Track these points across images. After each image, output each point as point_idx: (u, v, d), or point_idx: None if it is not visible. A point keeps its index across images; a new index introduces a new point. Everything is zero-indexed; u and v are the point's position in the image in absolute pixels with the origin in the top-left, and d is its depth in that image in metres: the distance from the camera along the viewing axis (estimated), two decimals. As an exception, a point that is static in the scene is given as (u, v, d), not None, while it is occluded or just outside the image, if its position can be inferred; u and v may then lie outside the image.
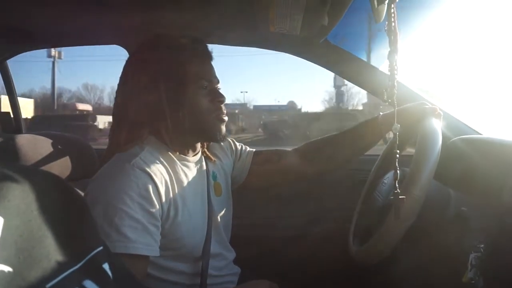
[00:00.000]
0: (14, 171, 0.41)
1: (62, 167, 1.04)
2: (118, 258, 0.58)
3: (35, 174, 0.45)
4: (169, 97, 0.83)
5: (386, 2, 0.59)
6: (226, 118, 0.90)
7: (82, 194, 0.96)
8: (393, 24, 0.57)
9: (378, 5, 0.62)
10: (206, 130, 0.88)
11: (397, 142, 0.71)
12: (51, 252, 0.39)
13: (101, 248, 0.47)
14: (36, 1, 0.99)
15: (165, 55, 0.85)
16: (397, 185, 0.68)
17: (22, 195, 0.39)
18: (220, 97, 0.88)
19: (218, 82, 0.91)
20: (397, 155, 0.70)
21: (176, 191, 0.82)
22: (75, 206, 0.49)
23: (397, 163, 0.69)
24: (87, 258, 0.44)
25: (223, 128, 0.89)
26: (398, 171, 0.69)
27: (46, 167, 0.97)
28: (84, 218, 0.49)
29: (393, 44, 0.58)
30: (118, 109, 0.88)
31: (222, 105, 0.89)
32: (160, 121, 0.84)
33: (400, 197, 0.68)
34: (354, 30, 1.29)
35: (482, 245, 0.68)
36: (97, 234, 0.51)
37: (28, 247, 0.37)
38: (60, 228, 0.42)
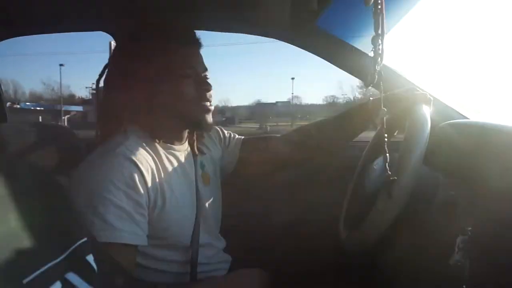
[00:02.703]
0: None
1: (48, 157, 1.02)
2: (104, 249, 0.57)
3: (15, 164, 0.44)
4: (153, 85, 0.82)
5: (374, -16, 0.58)
6: (211, 108, 0.88)
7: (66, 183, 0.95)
8: (379, 6, 0.56)
9: (366, -13, 0.61)
10: (191, 119, 0.87)
11: (385, 127, 0.71)
12: (30, 245, 0.38)
13: (84, 239, 0.46)
14: None
15: (149, 43, 0.83)
16: (387, 168, 0.68)
17: (1, 186, 0.38)
18: (205, 86, 0.87)
19: (205, 70, 0.89)
20: (385, 139, 0.70)
21: (163, 180, 0.81)
22: (58, 196, 0.48)
23: (386, 147, 0.69)
24: (69, 250, 0.43)
25: (209, 117, 0.88)
26: (388, 155, 0.69)
27: (31, 157, 0.96)
28: (67, 209, 0.48)
29: (378, 27, 0.57)
30: (102, 99, 0.87)
31: (208, 94, 0.87)
32: (145, 110, 0.82)
33: (391, 178, 0.68)
34: (345, 15, 1.27)
35: (470, 228, 0.69)
36: (81, 225, 0.51)
37: (4, 242, 0.36)
38: (41, 220, 0.41)
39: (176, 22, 0.89)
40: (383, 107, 0.78)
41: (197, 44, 0.89)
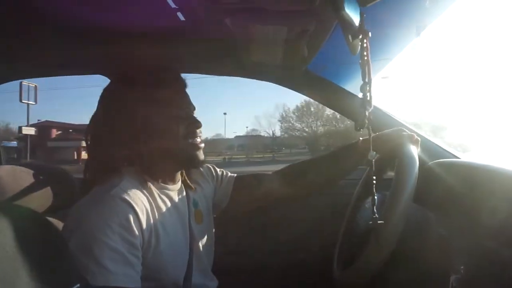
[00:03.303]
0: None
1: (42, 198, 1.01)
2: None
3: (11, 210, 0.45)
4: (144, 127, 0.84)
5: (360, 37, 0.63)
6: (202, 145, 0.91)
7: (61, 224, 0.94)
8: (365, 58, 0.60)
9: (352, 40, 0.66)
10: (183, 157, 0.89)
11: (374, 169, 0.73)
12: None
13: (77, 286, 0.46)
14: (18, 32, 1.00)
15: (139, 87, 0.86)
16: (375, 211, 0.69)
17: None
18: (195, 123, 0.90)
19: (194, 109, 0.93)
20: (374, 181, 0.73)
21: (157, 220, 0.82)
22: (53, 242, 0.48)
23: (374, 189, 0.71)
24: None
25: (200, 154, 0.91)
26: (376, 197, 0.71)
27: (26, 199, 0.95)
28: (62, 254, 0.49)
29: (366, 76, 0.61)
30: (93, 140, 0.89)
31: (198, 131, 0.90)
32: (137, 151, 0.84)
33: (378, 222, 0.70)
34: (334, 59, 1.34)
35: (462, 267, 0.69)
36: (75, 271, 0.50)
37: None
38: (36, 267, 0.41)
39: (163, 66, 0.93)
40: (373, 148, 0.81)
41: (183, 84, 0.94)
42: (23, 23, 0.93)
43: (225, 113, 51.73)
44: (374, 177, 0.73)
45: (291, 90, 1.32)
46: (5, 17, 0.89)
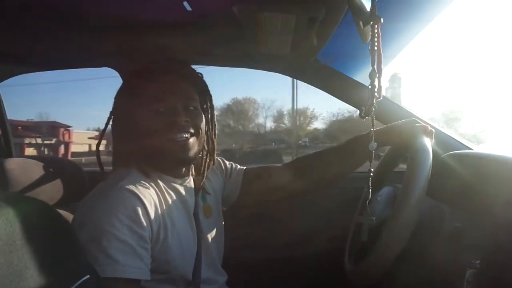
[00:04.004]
0: None
1: (52, 191, 1.02)
2: (107, 285, 0.56)
3: (20, 201, 0.45)
4: (129, 124, 0.85)
5: (371, 23, 0.61)
6: (186, 141, 0.84)
7: (72, 217, 0.95)
8: (376, 44, 0.58)
9: (363, 26, 0.63)
10: (165, 154, 0.84)
11: (372, 161, 0.73)
12: (32, 285, 0.38)
13: (87, 277, 0.46)
14: (28, 26, 1.00)
15: (125, 83, 0.90)
16: (367, 205, 0.69)
17: (5, 225, 0.39)
18: (173, 117, 0.83)
19: (187, 99, 0.87)
20: (371, 174, 0.73)
21: (165, 213, 0.81)
22: (61, 233, 0.48)
23: (370, 183, 0.71)
24: (73, 287, 0.43)
25: (182, 151, 0.84)
26: (370, 191, 0.70)
27: (36, 191, 0.96)
28: (71, 245, 0.48)
29: (375, 63, 0.59)
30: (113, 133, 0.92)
31: (178, 126, 0.83)
32: (130, 149, 0.86)
33: (371, 218, 0.72)
34: (344, 49, 1.31)
35: (478, 261, 0.67)
36: (84, 262, 0.50)
37: (6, 281, 0.36)
38: (44, 258, 0.41)
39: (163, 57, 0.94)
40: (384, 138, 0.79)
41: (170, 75, 0.87)
42: (33, 17, 0.93)
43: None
44: (372, 170, 0.73)
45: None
46: (17, 11, 0.89)
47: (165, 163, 0.87)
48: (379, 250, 0.76)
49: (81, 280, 0.44)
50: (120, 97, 0.90)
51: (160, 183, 0.85)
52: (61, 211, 0.85)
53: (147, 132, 0.83)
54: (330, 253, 1.13)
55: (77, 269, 0.47)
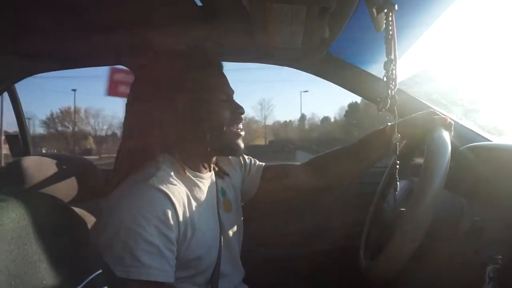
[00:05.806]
0: (11, 195, 0.41)
1: (68, 188, 1.04)
2: (120, 282, 0.56)
3: (33, 197, 0.45)
4: (189, 112, 0.81)
5: (385, 10, 0.59)
6: (243, 133, 0.88)
7: (87, 214, 0.96)
8: (391, 32, 0.56)
9: (377, 14, 0.61)
10: (224, 144, 0.86)
11: (402, 152, 0.70)
12: (46, 277, 0.38)
13: (100, 271, 0.46)
14: (42, 27, 1.01)
15: (181, 70, 0.82)
16: (395, 198, 0.67)
17: (18, 219, 0.39)
18: (239, 109, 0.87)
19: (233, 92, 0.90)
20: (397, 166, 0.69)
21: (193, 211, 0.79)
22: (75, 228, 0.48)
23: (397, 175, 0.68)
24: (85, 282, 0.43)
25: (241, 142, 0.88)
26: (399, 183, 0.68)
27: (51, 189, 0.97)
28: (84, 240, 0.49)
29: (390, 52, 0.57)
30: (130, 128, 0.86)
31: (242, 117, 0.88)
32: (178, 137, 0.81)
33: (401, 209, 0.67)
34: (357, 41, 1.28)
35: (500, 257, 0.65)
36: (98, 257, 0.51)
37: (21, 272, 0.36)
38: (57, 252, 0.41)
39: (203, 50, 0.91)
40: (399, 132, 0.76)
41: (223, 68, 0.91)
42: (43, 17, 0.94)
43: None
44: (398, 162, 0.70)
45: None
46: (26, 12, 0.90)
47: (212, 154, 0.88)
48: (395, 245, 0.74)
49: (94, 274, 0.45)
50: (157, 90, 0.82)
51: (190, 178, 0.83)
52: (76, 208, 0.86)
53: (213, 123, 0.83)
54: (345, 248, 1.11)
55: (91, 263, 0.47)
